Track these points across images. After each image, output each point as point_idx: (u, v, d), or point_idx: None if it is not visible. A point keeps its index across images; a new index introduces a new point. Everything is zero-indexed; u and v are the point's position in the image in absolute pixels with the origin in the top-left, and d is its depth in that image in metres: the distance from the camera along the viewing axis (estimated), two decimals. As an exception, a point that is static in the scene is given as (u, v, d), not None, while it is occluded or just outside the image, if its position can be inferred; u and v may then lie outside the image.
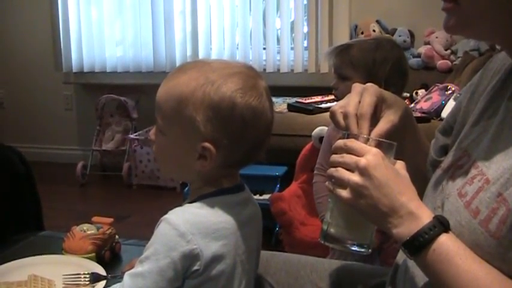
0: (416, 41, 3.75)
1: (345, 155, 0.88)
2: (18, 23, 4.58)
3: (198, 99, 0.93)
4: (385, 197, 0.84)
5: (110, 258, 1.44)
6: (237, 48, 4.12)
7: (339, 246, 0.95)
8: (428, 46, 3.65)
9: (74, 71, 4.42)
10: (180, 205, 0.99)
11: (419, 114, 3.00)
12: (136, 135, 4.04)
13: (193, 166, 0.96)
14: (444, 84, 3.23)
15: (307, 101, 3.28)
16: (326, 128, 2.12)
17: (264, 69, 3.98)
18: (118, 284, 0.99)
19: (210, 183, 1.00)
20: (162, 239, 0.93)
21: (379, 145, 0.90)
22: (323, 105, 3.19)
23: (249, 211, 1.04)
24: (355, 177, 0.85)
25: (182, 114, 0.94)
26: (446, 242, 0.81)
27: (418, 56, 3.64)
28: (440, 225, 0.82)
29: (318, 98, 3.32)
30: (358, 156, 0.86)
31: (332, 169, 0.89)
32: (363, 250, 0.93)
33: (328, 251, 1.90)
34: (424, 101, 3.18)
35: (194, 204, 0.97)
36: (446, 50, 3.63)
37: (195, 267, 0.93)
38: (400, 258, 1.04)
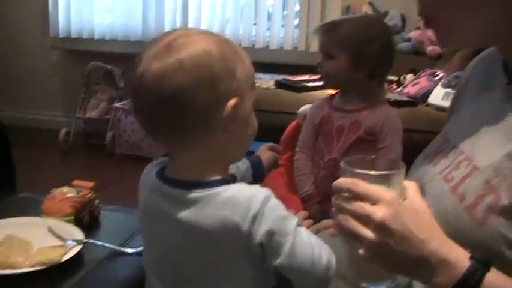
0: (408, 25, 3.73)
1: (353, 202, 0.76)
2: (6, -16, 4.49)
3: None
4: (412, 248, 0.74)
5: (89, 222, 1.43)
6: (227, 22, 4.08)
7: None
8: (420, 31, 3.64)
9: (60, 36, 4.35)
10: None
11: (406, 99, 3.01)
12: (121, 105, 4.00)
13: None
14: (433, 70, 3.23)
15: (295, 79, 3.27)
16: (311, 106, 2.11)
17: (253, 45, 3.96)
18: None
19: None
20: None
21: (387, 178, 0.78)
22: (310, 84, 3.18)
23: None
24: (371, 235, 0.74)
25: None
26: (493, 280, 0.74)
27: (409, 40, 3.63)
28: (481, 265, 0.74)
29: (306, 77, 3.31)
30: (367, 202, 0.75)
31: (340, 217, 0.77)
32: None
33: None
34: (411, 85, 3.18)
35: None
36: (436, 36, 3.62)
37: None
38: None
